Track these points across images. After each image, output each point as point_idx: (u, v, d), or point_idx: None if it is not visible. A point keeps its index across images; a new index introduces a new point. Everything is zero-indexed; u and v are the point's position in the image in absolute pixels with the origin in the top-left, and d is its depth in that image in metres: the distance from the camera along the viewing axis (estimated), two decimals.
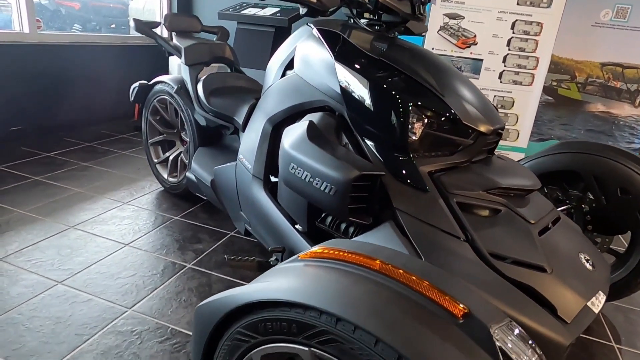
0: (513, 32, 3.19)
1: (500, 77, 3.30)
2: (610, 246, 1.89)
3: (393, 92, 1.29)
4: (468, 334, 0.60)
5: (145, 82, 2.63)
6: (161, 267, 1.94)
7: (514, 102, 3.31)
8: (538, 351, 0.60)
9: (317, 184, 1.26)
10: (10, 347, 1.43)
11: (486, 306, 0.63)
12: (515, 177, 1.32)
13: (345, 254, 0.72)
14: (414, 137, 1.28)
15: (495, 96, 3.34)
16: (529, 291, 1.09)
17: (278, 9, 3.95)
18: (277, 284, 0.74)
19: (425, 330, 0.59)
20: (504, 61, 3.27)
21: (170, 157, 2.67)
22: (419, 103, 1.27)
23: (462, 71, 3.31)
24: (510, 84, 3.31)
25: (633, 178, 1.71)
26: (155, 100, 2.59)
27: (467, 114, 1.30)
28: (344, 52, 1.44)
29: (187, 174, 2.33)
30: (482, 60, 3.29)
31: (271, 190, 1.68)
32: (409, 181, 1.25)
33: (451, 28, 3.26)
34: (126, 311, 1.64)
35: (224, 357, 0.86)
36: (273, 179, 1.70)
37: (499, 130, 1.37)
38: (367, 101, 1.32)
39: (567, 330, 1.04)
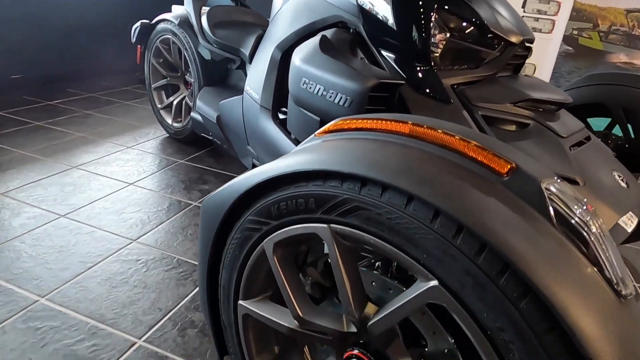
0: (524, 11, 3.01)
1: None
2: None
3: None
4: (515, 191, 0.52)
5: (147, 21, 2.51)
6: (166, 205, 1.89)
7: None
8: (592, 211, 0.53)
9: (330, 96, 1.18)
10: (12, 271, 1.38)
11: (535, 163, 0.55)
12: (544, 91, 1.23)
13: (369, 122, 0.64)
14: (437, 47, 1.18)
15: None
16: None
17: None
18: (289, 161, 0.66)
19: (465, 185, 0.52)
20: (523, 6, 3.09)
21: (175, 102, 2.58)
22: (445, 7, 1.16)
23: None
24: None
25: None
26: (157, 41, 2.48)
27: (495, 22, 1.19)
28: None
29: (192, 113, 2.25)
30: None
31: (280, 122, 1.60)
32: (430, 92, 1.16)
33: None
34: (131, 242, 1.59)
35: (233, 253, 0.79)
36: (281, 114, 1.61)
37: (528, 43, 1.27)
38: (387, 9, 1.21)
39: None
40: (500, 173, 0.53)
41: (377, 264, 0.81)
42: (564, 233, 0.50)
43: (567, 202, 0.51)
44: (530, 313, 0.47)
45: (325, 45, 1.25)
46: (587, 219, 0.51)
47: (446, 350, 0.64)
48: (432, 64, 1.18)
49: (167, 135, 2.67)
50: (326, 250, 0.68)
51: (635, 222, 1.12)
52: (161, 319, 1.25)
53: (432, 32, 1.17)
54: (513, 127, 1.16)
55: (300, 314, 0.71)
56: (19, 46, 3.21)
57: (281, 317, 0.76)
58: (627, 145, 1.72)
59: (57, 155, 2.24)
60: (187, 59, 2.30)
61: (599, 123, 1.78)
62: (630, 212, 1.13)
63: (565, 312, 0.44)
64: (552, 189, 0.52)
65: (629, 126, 1.68)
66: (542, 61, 3.18)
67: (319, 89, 1.20)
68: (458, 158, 0.56)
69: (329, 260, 0.65)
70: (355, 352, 0.70)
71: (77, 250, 1.51)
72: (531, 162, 0.55)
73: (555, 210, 0.51)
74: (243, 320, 0.83)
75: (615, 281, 0.49)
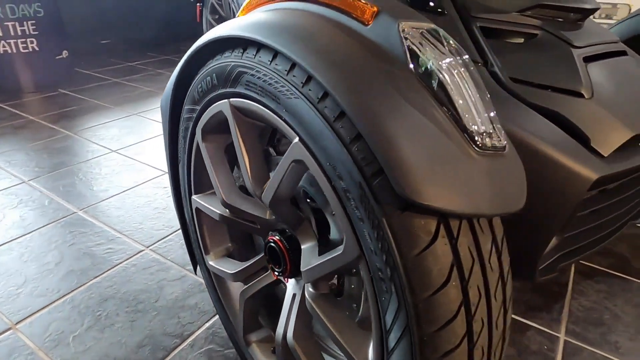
0: None
1: None
2: None
3: None
4: (376, 37, 0.48)
5: None
6: None
7: None
8: (464, 56, 0.46)
9: None
10: (62, 188, 1.61)
11: (399, 5, 0.49)
12: None
13: None
14: None
15: None
16: (559, 119, 0.89)
17: None
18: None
19: (328, 39, 0.49)
20: None
21: None
22: None
23: None
24: None
25: None
26: None
27: None
28: None
29: None
30: None
31: None
32: (421, 3, 1.07)
33: None
34: (164, 174, 1.75)
35: (183, 147, 0.84)
36: None
37: None
38: None
39: (601, 164, 0.83)
40: (362, 20, 0.49)
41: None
42: (419, 76, 0.45)
43: (424, 44, 0.46)
44: (360, 156, 0.43)
45: None
46: (446, 61, 0.45)
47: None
48: None
49: None
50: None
51: None
52: (170, 234, 1.37)
53: None
54: (520, 39, 1.03)
55: (225, 199, 0.74)
56: (108, 15, 3.61)
57: (215, 205, 0.79)
58: None
59: (124, 105, 2.50)
60: (234, 13, 2.39)
61: None
62: None
63: (384, 146, 0.41)
64: (409, 29, 0.46)
65: None
66: None
67: None
68: (328, 11, 0.52)
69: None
70: (274, 237, 0.71)
71: (118, 178, 1.71)
72: (396, 4, 0.49)
73: (411, 51, 0.46)
74: (196, 214, 0.88)
75: (471, 130, 0.43)
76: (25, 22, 2.56)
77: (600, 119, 0.87)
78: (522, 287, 1.18)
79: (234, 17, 2.55)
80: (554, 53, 0.96)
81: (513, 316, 1.09)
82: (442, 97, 0.44)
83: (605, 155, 0.85)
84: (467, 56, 0.47)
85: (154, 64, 3.40)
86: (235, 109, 0.63)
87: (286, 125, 0.53)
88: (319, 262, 0.56)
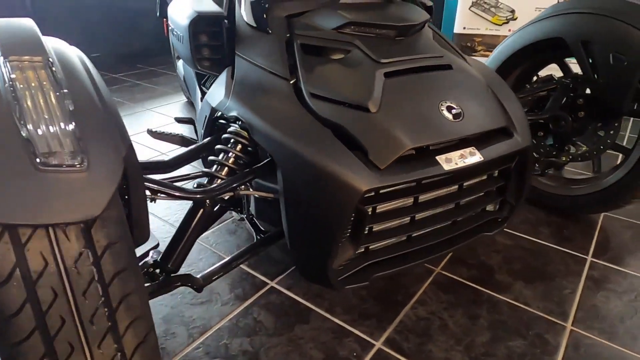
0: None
1: None
2: (616, 141, 1.44)
3: None
4: None
5: None
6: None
7: None
8: (57, 76, 0.53)
9: (179, 37, 1.26)
10: None
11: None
12: (386, 13, 1.10)
13: None
14: None
15: None
16: (344, 132, 0.92)
17: None
18: None
19: None
20: None
21: None
22: None
23: None
24: None
25: (629, 36, 1.24)
26: None
27: None
28: None
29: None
30: None
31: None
32: (252, 24, 1.14)
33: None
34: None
35: None
36: None
37: None
38: None
39: (373, 176, 0.87)
40: None
41: None
42: None
43: (26, 82, 0.53)
44: None
45: None
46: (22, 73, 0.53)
47: None
48: None
49: (186, 100, 2.97)
50: None
51: (471, 160, 0.95)
52: None
53: None
54: (338, 55, 1.07)
55: None
56: (96, 28, 3.85)
57: None
58: (592, 88, 1.38)
59: None
60: None
61: None
62: (472, 148, 0.97)
63: None
64: (18, 64, 0.54)
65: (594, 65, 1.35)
66: None
67: (176, 32, 1.29)
68: None
69: None
70: None
71: None
72: None
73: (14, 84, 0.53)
74: None
75: (34, 147, 0.50)
76: None
77: (380, 132, 0.91)
78: (364, 295, 1.20)
79: None
80: (358, 69, 1.00)
81: (338, 322, 1.12)
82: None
83: (382, 168, 0.88)
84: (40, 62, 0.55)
85: (136, 75, 3.60)
86: None
87: None
88: None
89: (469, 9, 2.83)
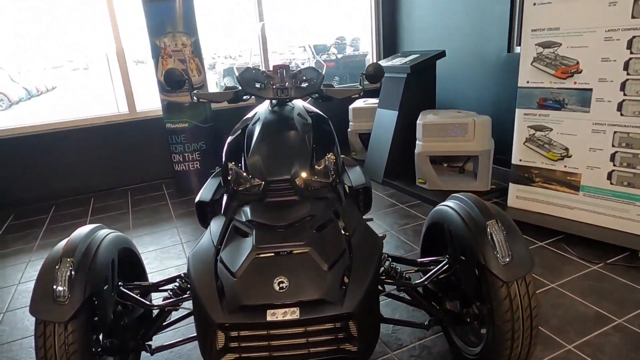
0: (631, 52, 2.47)
1: (620, 109, 2.59)
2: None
3: None
4: None
5: None
6: None
7: None
8: None
9: None
10: None
11: None
12: (280, 214, 1.77)
13: None
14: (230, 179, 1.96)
15: (615, 132, 2.62)
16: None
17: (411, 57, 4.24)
18: None
19: None
20: (622, 89, 2.55)
21: None
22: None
23: (567, 104, 2.78)
24: (635, 116, 2.53)
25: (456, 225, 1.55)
26: None
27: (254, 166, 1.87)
28: None
29: None
30: (590, 90, 2.68)
31: None
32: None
33: (546, 58, 2.81)
34: None
35: None
36: None
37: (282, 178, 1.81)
38: None
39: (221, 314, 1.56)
40: None
41: None
42: None
43: None
44: None
45: None
46: None
47: None
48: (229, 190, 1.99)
49: None
50: None
51: (293, 315, 1.52)
52: None
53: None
54: (242, 236, 1.70)
55: None
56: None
57: None
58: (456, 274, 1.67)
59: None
60: None
61: None
62: (295, 308, 1.54)
63: None
64: None
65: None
66: None
67: None
68: None
69: None
70: None
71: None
72: None
73: None
74: None
75: None
76: (194, 153, 4.44)
77: (232, 290, 1.62)
78: None
79: None
80: (245, 248, 1.61)
81: None
82: None
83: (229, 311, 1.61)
84: None
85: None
86: None
87: None
88: None
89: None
